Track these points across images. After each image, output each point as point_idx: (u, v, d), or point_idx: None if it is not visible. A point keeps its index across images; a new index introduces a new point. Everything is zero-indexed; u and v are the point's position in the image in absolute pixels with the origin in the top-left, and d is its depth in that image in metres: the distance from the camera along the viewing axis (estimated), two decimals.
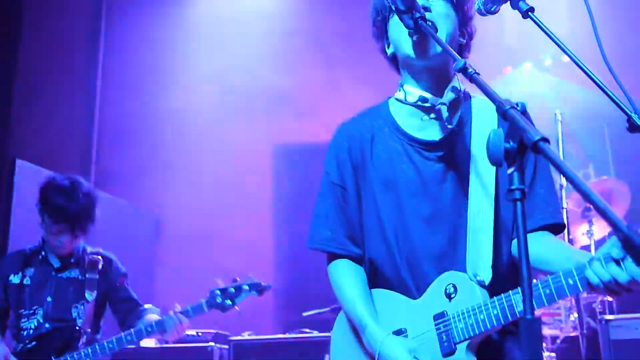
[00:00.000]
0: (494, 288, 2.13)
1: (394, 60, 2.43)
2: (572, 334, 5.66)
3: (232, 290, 3.68)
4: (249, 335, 5.58)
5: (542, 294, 1.95)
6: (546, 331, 5.76)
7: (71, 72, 7.62)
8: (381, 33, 2.41)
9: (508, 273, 2.23)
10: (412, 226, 2.27)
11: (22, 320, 4.00)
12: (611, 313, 5.50)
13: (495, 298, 2.07)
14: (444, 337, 2.13)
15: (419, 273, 2.25)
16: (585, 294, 5.74)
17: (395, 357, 2.14)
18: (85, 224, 4.05)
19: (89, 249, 4.23)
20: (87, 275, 4.10)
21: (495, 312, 2.05)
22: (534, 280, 2.01)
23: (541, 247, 2.17)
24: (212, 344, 5.19)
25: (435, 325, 2.17)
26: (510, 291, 2.03)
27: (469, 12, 2.35)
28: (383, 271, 2.34)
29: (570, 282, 1.91)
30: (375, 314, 2.30)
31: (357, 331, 2.34)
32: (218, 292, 3.68)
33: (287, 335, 5.59)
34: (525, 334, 1.31)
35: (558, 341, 5.77)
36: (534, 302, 1.94)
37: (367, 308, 2.30)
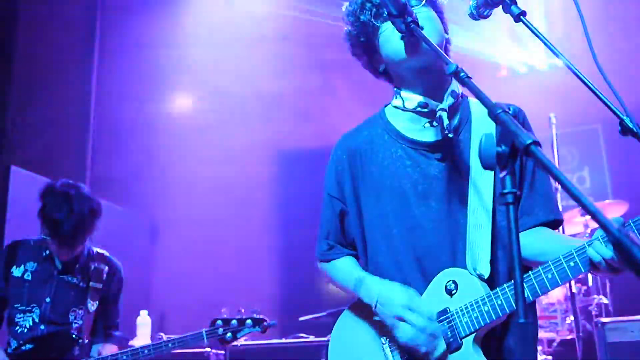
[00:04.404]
0: (493, 282, 2.17)
1: (385, 74, 2.49)
2: (569, 337, 5.67)
3: (235, 323, 3.62)
4: (245, 340, 5.56)
5: (545, 278, 1.99)
6: (542, 334, 5.77)
7: (66, 78, 7.60)
8: (366, 50, 2.46)
9: (506, 268, 2.25)
10: (421, 226, 2.31)
11: (18, 315, 3.98)
12: (607, 316, 5.51)
13: (498, 289, 2.10)
14: (449, 333, 2.16)
15: (429, 271, 2.28)
16: (581, 296, 5.75)
17: (393, 294, 2.22)
18: (82, 237, 4.01)
19: (95, 250, 4.20)
20: (90, 284, 4.08)
21: (500, 302, 2.08)
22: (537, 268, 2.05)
23: (539, 240, 2.22)
24: (208, 349, 5.17)
25: (439, 322, 2.19)
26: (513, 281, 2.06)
27: (441, 6, 2.44)
28: (387, 276, 2.36)
29: (572, 264, 1.96)
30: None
31: (356, 334, 2.37)
32: (220, 323, 3.63)
33: (283, 340, 5.58)
34: (518, 336, 1.31)
35: (554, 344, 5.79)
36: (538, 288, 1.99)
37: (363, 271, 2.41)
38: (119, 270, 4.27)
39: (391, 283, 2.27)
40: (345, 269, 2.51)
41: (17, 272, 4.06)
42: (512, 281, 2.06)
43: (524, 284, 2.01)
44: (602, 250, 1.89)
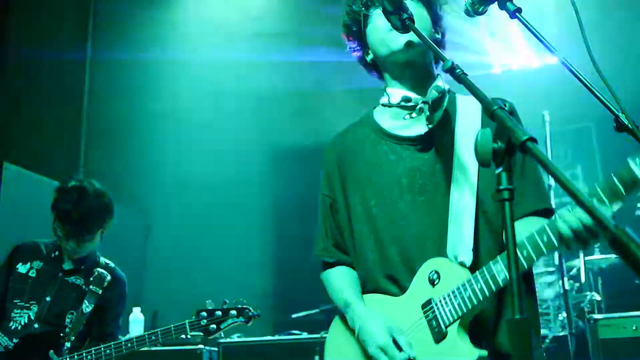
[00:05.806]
0: (476, 270, 2.15)
1: (374, 67, 2.53)
2: (561, 334, 5.69)
3: (219, 314, 3.59)
4: (238, 337, 5.56)
5: (521, 256, 1.97)
6: None
7: (59, 75, 7.58)
8: (357, 44, 2.52)
9: (489, 255, 2.23)
10: (405, 218, 2.33)
11: (15, 310, 3.96)
12: (599, 312, 5.53)
13: (477, 272, 2.10)
14: (434, 323, 2.17)
15: (415, 263, 2.28)
16: (574, 292, 5.77)
17: (372, 332, 2.22)
18: (90, 228, 3.99)
19: (103, 259, 4.18)
20: (90, 287, 4.06)
21: (479, 285, 2.08)
22: None
23: (522, 228, 2.18)
24: (201, 346, 5.16)
25: (424, 313, 2.20)
26: (490, 262, 2.07)
27: (439, 9, 2.46)
28: (374, 273, 2.38)
29: (545, 238, 1.95)
30: (361, 297, 2.38)
31: (352, 333, 2.36)
32: (204, 314, 3.59)
33: (276, 337, 5.58)
34: (514, 333, 1.30)
35: (547, 340, 5.80)
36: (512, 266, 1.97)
37: (353, 292, 2.41)
38: (121, 283, 4.21)
39: (373, 318, 2.26)
40: (337, 286, 2.50)
41: (22, 268, 4.06)
42: (490, 263, 2.06)
43: (502, 267, 2.02)
44: (568, 219, 1.89)
